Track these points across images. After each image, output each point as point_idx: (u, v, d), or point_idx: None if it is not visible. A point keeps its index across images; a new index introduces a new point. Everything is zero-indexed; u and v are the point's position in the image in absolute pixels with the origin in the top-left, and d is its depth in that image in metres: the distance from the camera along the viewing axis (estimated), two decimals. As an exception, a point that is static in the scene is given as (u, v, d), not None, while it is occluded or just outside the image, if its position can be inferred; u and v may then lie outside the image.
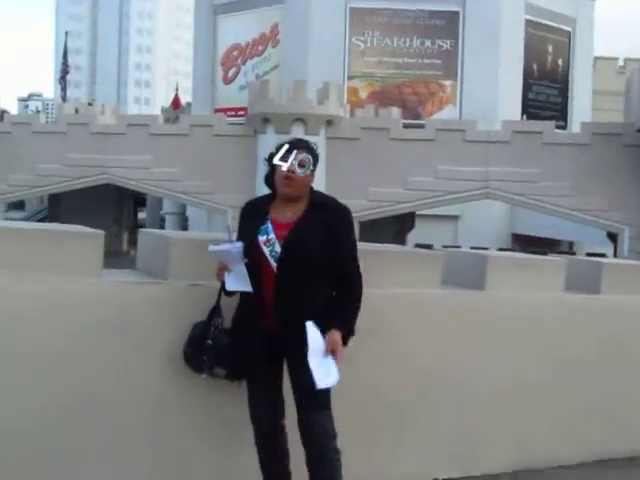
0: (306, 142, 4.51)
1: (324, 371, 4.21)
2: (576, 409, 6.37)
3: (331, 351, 4.25)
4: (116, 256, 32.11)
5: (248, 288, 4.31)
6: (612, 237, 29.91)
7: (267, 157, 4.46)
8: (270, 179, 4.49)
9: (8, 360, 4.49)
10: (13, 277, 4.47)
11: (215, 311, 4.58)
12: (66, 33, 72.92)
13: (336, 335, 4.28)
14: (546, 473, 6.16)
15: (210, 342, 4.53)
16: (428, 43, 44.13)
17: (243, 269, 4.30)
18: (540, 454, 6.23)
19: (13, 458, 4.52)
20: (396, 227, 35.40)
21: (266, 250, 4.33)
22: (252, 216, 4.48)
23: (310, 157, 4.39)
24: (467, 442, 5.87)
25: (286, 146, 4.39)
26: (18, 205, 47.76)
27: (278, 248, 4.32)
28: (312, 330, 4.23)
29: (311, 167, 4.38)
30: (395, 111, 35.31)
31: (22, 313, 4.51)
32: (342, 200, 4.46)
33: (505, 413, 6.03)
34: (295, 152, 4.36)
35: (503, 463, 6.05)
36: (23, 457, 4.55)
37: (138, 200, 48.46)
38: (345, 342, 4.34)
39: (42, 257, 4.54)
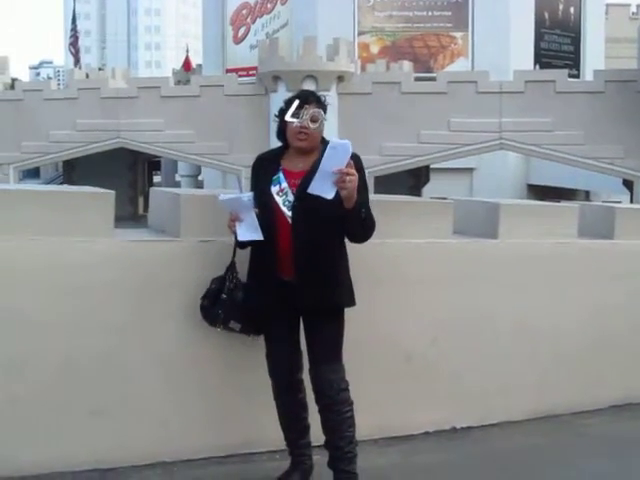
0: (314, 94, 4.50)
1: (321, 184, 4.10)
2: (592, 354, 6.39)
3: (339, 171, 4.06)
4: (132, 220, 32.27)
5: (259, 236, 4.31)
6: (628, 185, 29.71)
7: (277, 112, 4.48)
8: (281, 133, 4.50)
9: (24, 320, 4.56)
10: (26, 239, 4.52)
11: (231, 266, 4.64)
12: (74, -2, 72.52)
13: (352, 169, 4.11)
14: (563, 419, 6.19)
15: (225, 296, 4.60)
16: (438, -5, 43.70)
17: (253, 217, 4.30)
18: (557, 400, 6.26)
19: (35, 413, 4.61)
20: (411, 181, 35.33)
21: (279, 199, 4.35)
22: (264, 169, 4.49)
23: (321, 111, 4.39)
24: (485, 390, 5.90)
25: (296, 102, 4.39)
26: (33, 172, 47.80)
27: (291, 197, 4.33)
28: (332, 152, 4.08)
29: (323, 120, 4.39)
30: (406, 65, 35.08)
31: (36, 274, 4.57)
32: (356, 155, 4.45)
33: (521, 360, 6.06)
34: (306, 107, 4.36)
35: (521, 410, 6.08)
36: (44, 413, 4.63)
37: (153, 164, 48.42)
38: (354, 208, 4.21)
39: (54, 218, 4.58)
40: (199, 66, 50.32)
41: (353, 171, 4.11)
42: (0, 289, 4.52)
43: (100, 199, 4.79)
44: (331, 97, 26.18)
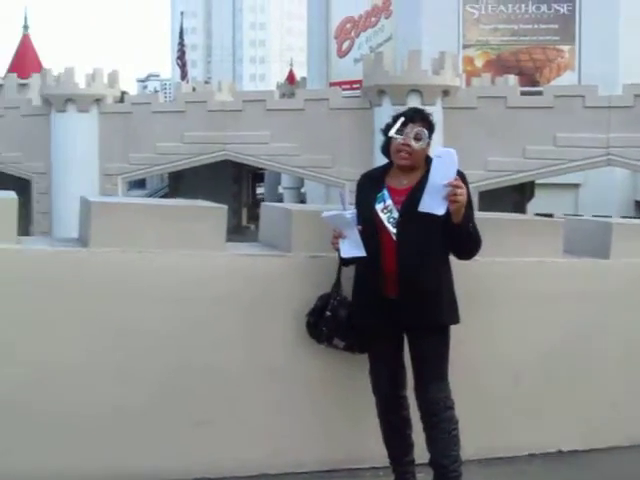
0: (422, 113, 4.50)
1: (431, 199, 4.10)
2: None
3: (450, 184, 4.09)
4: (236, 232, 32.63)
5: (362, 253, 4.33)
6: None
7: (383, 128, 4.49)
8: (386, 149, 4.51)
9: (135, 330, 4.66)
10: (140, 253, 4.62)
11: (336, 283, 4.66)
12: (182, 13, 73.97)
13: (459, 181, 4.14)
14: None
15: (329, 313, 4.63)
16: (544, 8, 43.07)
17: (356, 234, 4.33)
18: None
19: (143, 424, 4.71)
20: (515, 197, 34.82)
21: (384, 217, 4.35)
22: (369, 186, 4.51)
23: (425, 130, 4.37)
24: (593, 412, 5.77)
25: (402, 119, 4.39)
26: (139, 183, 48.77)
27: (396, 214, 4.33)
28: (438, 162, 4.12)
29: (427, 140, 4.36)
30: (512, 79, 34.66)
31: (150, 289, 4.66)
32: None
33: (632, 382, 5.91)
34: (411, 125, 4.36)
35: (630, 436, 5.93)
36: (152, 424, 4.73)
37: (256, 176, 48.91)
38: (462, 223, 4.23)
39: (167, 232, 4.67)
40: (303, 79, 50.67)
41: (462, 184, 4.11)
42: (115, 299, 4.63)
43: (213, 213, 4.87)
44: (436, 113, 26.13)
